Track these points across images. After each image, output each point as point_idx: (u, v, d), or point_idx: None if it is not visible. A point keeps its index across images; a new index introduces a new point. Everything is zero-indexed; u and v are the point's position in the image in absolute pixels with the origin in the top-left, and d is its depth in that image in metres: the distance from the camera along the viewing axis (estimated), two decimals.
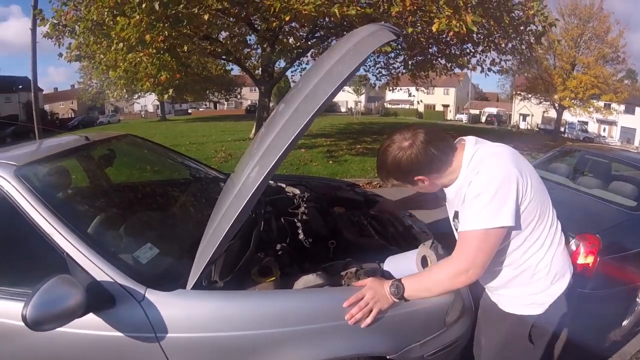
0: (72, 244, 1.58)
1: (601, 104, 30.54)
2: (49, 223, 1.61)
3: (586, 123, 41.02)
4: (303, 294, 1.70)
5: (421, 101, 24.36)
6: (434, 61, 13.70)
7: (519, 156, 1.57)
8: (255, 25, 11.47)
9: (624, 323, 3.21)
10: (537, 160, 5.17)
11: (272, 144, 1.61)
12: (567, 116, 36.07)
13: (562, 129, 37.84)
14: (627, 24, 44.16)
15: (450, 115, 57.95)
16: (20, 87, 42.51)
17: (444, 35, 9.40)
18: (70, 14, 8.73)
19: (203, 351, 1.57)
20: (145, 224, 2.27)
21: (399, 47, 12.64)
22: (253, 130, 15.63)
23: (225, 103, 55.15)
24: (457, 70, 14.60)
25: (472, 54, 12.15)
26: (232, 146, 13.47)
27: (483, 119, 51.41)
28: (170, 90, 12.86)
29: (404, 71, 15.16)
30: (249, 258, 1.85)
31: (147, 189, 3.11)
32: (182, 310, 1.55)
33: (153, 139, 3.49)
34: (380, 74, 16.34)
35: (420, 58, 13.65)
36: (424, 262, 1.78)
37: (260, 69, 14.41)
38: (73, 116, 52.93)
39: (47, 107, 53.90)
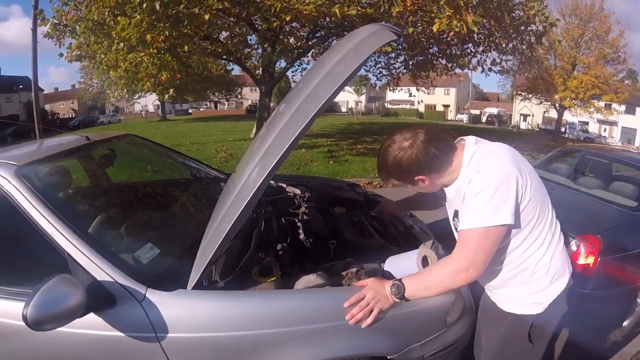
0: (72, 243, 1.58)
1: (602, 104, 30.55)
2: (50, 223, 1.61)
3: (587, 123, 41.01)
4: (304, 294, 1.70)
5: (422, 101, 24.31)
6: (434, 61, 13.72)
7: (519, 156, 1.57)
8: (256, 25, 11.47)
9: (625, 324, 3.21)
10: (537, 161, 5.17)
11: (273, 144, 1.61)
12: (567, 116, 36.07)
13: (562, 129, 37.83)
14: (627, 24, 44.19)
15: (450, 116, 57.95)
16: (20, 86, 42.58)
17: (445, 36, 9.41)
18: (71, 13, 8.73)
19: (203, 351, 1.57)
20: (146, 224, 2.27)
21: (400, 47, 12.65)
22: (254, 130, 15.63)
23: (226, 103, 55.17)
24: (457, 71, 14.62)
25: (472, 54, 12.15)
26: (232, 146, 13.47)
27: (484, 119, 51.42)
28: (171, 90, 12.85)
29: (404, 71, 15.18)
30: (250, 258, 1.85)
31: (148, 189, 3.10)
32: (182, 310, 1.55)
33: (154, 139, 3.49)
34: (381, 74, 16.34)
35: (420, 58, 13.68)
36: (424, 262, 1.78)
37: (260, 69, 14.42)
38: (74, 116, 52.98)
39: (47, 107, 53.96)
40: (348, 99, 53.83)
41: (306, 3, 7.44)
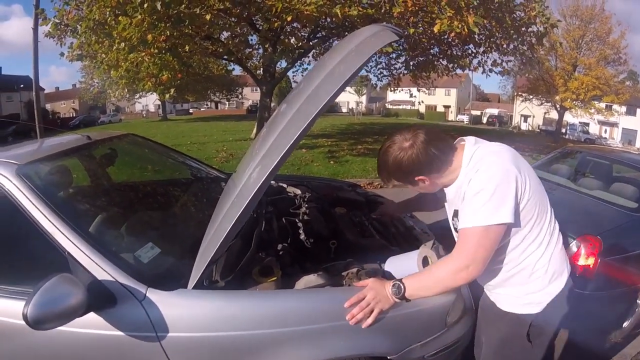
0: (73, 243, 1.58)
1: (602, 105, 30.57)
2: (51, 222, 1.61)
3: (587, 124, 41.00)
4: (304, 294, 1.70)
5: (422, 102, 24.32)
6: (435, 62, 13.73)
7: (518, 155, 1.57)
8: (257, 26, 11.47)
9: (625, 324, 3.21)
10: (538, 162, 5.17)
11: (274, 144, 1.61)
12: (568, 117, 36.11)
13: (563, 130, 37.88)
14: (628, 25, 44.02)
15: (451, 116, 57.94)
16: (21, 86, 42.65)
17: (446, 36, 9.40)
18: (72, 13, 8.73)
19: (204, 351, 1.57)
20: (146, 224, 2.27)
21: (401, 47, 12.66)
22: (254, 131, 15.64)
23: (227, 103, 55.22)
24: (458, 71, 14.60)
25: (473, 54, 12.15)
26: (233, 146, 13.47)
27: (484, 119, 51.43)
28: (172, 90, 12.86)
29: (405, 72, 15.19)
30: (250, 258, 1.85)
31: (149, 189, 3.11)
32: (183, 310, 1.55)
33: (154, 139, 3.49)
34: (382, 75, 16.34)
35: (421, 59, 13.69)
36: (425, 262, 1.78)
37: (261, 69, 14.42)
38: (74, 115, 53.06)
39: (48, 106, 54.03)
40: (349, 99, 53.92)
41: (307, 3, 7.44)
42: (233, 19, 10.38)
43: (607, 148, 7.28)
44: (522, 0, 9.26)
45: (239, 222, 1.47)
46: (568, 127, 40.94)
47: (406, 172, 1.54)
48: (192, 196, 2.92)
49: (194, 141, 15.67)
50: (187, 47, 8.87)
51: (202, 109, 60.99)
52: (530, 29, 9.58)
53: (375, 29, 1.79)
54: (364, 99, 55.98)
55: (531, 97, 31.41)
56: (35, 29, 11.11)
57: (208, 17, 8.04)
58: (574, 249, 2.88)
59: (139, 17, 7.17)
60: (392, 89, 16.69)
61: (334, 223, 2.45)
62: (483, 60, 11.91)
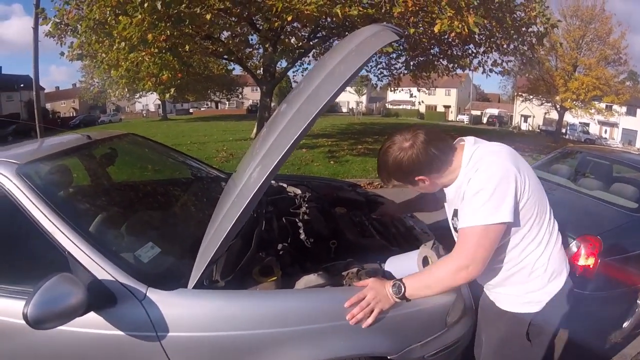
0: (73, 242, 1.58)
1: (603, 105, 30.55)
2: (51, 221, 1.61)
3: (587, 125, 40.98)
4: (304, 293, 1.70)
5: (422, 102, 24.33)
6: (435, 62, 13.74)
7: (517, 155, 1.58)
8: (257, 25, 11.47)
9: (625, 325, 3.21)
10: (538, 162, 5.17)
11: (274, 144, 1.62)
12: (568, 118, 36.10)
13: (563, 131, 37.87)
14: (629, 25, 44.03)
15: (451, 116, 57.94)
16: (21, 85, 42.67)
17: (446, 36, 9.40)
18: (73, 12, 8.73)
19: (204, 350, 1.57)
20: (146, 223, 2.27)
21: (401, 47, 12.66)
22: (254, 130, 15.64)
23: (227, 103, 55.20)
24: (458, 71, 14.60)
25: (473, 54, 12.15)
26: (233, 146, 13.47)
27: (484, 120, 51.43)
28: (172, 90, 12.87)
29: (405, 72, 15.19)
30: (251, 258, 1.85)
31: (149, 188, 3.11)
32: (183, 310, 1.55)
33: (154, 138, 3.49)
34: (382, 75, 16.35)
35: (421, 59, 13.70)
36: (425, 262, 1.78)
37: (262, 68, 14.42)
38: (75, 115, 53.06)
39: (48, 105, 54.06)
40: (349, 99, 53.93)
41: (307, 3, 7.44)
42: (233, 18, 10.38)
43: (607, 148, 7.28)
44: (522, 1, 9.26)
45: (239, 222, 1.47)
46: (568, 128, 40.94)
47: (406, 172, 1.54)
48: (192, 196, 2.92)
49: (194, 141, 15.68)
50: (187, 47, 8.87)
51: (202, 109, 60.97)
52: (530, 29, 9.58)
53: (375, 29, 1.79)
54: (364, 98, 56.00)
55: (531, 97, 31.41)
56: (35, 29, 11.11)
57: (208, 16, 8.04)
58: (574, 249, 2.88)
59: (139, 16, 7.18)
60: (392, 89, 16.70)
61: (334, 223, 2.45)
62: (483, 60, 11.91)
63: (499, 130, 34.43)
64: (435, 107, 58.59)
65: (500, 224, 1.43)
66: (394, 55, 14.15)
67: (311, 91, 1.69)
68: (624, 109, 37.21)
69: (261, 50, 14.01)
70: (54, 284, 1.38)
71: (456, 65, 12.88)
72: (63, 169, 2.33)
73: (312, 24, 11.19)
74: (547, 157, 5.36)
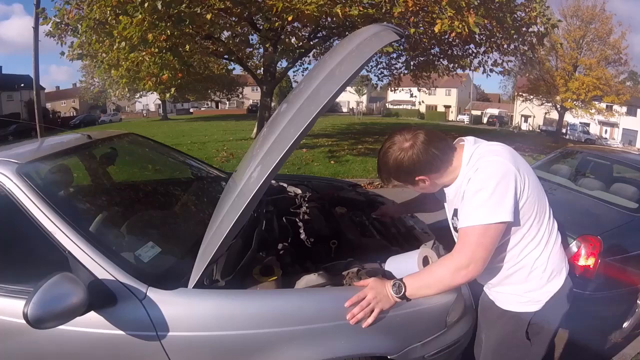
0: (74, 242, 1.58)
1: (603, 105, 30.53)
2: (51, 221, 1.61)
3: (588, 125, 40.96)
4: (304, 293, 1.70)
5: (423, 102, 24.31)
6: (435, 62, 13.75)
7: (517, 155, 1.58)
8: (258, 25, 11.47)
9: (625, 325, 3.21)
10: (538, 162, 5.17)
11: (274, 144, 1.61)
12: (568, 118, 36.08)
13: (563, 131, 37.85)
14: (629, 25, 43.93)
15: (452, 116, 57.96)
16: (22, 85, 42.72)
17: (446, 36, 9.41)
18: (73, 12, 8.74)
19: (204, 350, 1.57)
20: (147, 223, 2.27)
21: (401, 47, 12.65)
22: (255, 130, 15.65)
23: (227, 102, 55.11)
24: (459, 71, 14.60)
25: (474, 54, 12.16)
26: (233, 146, 13.48)
27: (485, 120, 51.43)
28: (172, 90, 12.83)
29: (405, 72, 15.20)
30: (251, 257, 1.85)
31: (149, 188, 3.11)
32: (183, 309, 1.55)
33: (155, 138, 3.49)
34: (382, 75, 16.36)
35: (422, 59, 13.71)
36: (425, 262, 1.78)
37: (262, 68, 14.42)
38: (75, 115, 53.09)
39: (49, 105, 54.08)
40: (349, 99, 54.01)
41: (308, 3, 7.44)
42: (234, 18, 10.38)
43: (608, 148, 7.28)
44: (522, 1, 9.26)
45: (240, 222, 1.47)
46: (568, 128, 40.90)
47: (407, 172, 1.55)
48: (192, 195, 2.92)
49: (194, 141, 15.69)
50: (187, 47, 8.87)
51: (202, 109, 60.93)
52: (531, 29, 9.59)
53: (376, 29, 1.79)
54: (364, 98, 56.06)
55: (532, 97, 31.38)
56: (35, 28, 11.12)
57: (209, 16, 8.04)
58: (574, 249, 2.88)
59: (140, 16, 7.18)
60: (393, 88, 16.69)
61: (335, 223, 2.45)
62: (484, 60, 11.91)
63: (499, 130, 34.43)
64: (436, 107, 58.59)
65: (500, 223, 1.43)
66: (395, 55, 14.17)
67: (311, 91, 1.69)
68: (624, 109, 37.19)
69: (261, 50, 14.03)
70: (55, 284, 1.38)
71: (456, 65, 12.88)
72: (63, 168, 2.34)
73: (312, 24, 11.20)
74: (547, 157, 5.36)
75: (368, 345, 1.65)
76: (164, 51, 8.44)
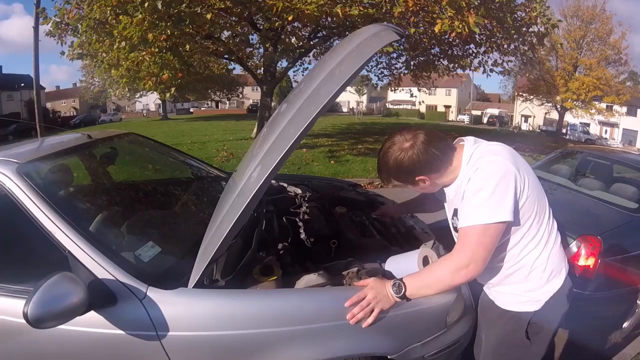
0: (74, 241, 1.58)
1: (603, 105, 30.53)
2: (51, 220, 1.61)
3: (588, 125, 40.97)
4: (304, 293, 1.70)
5: (423, 102, 24.30)
6: (436, 62, 13.75)
7: (517, 155, 1.58)
8: (258, 25, 11.46)
9: (625, 325, 3.21)
10: (538, 162, 5.17)
11: (274, 144, 1.61)
12: (569, 118, 36.09)
13: (563, 131, 37.85)
14: (629, 25, 43.90)
15: (452, 116, 57.96)
16: (22, 85, 42.73)
17: (447, 36, 9.41)
18: (73, 12, 8.73)
19: (204, 350, 1.57)
20: (147, 223, 2.27)
21: (401, 47, 12.65)
22: (255, 130, 15.65)
23: (227, 102, 55.09)
24: (459, 71, 14.60)
25: (474, 54, 12.16)
26: (233, 145, 13.48)
27: (485, 120, 51.43)
28: (172, 89, 12.85)
29: (406, 72, 15.20)
30: (251, 257, 1.85)
31: (149, 188, 3.11)
32: (183, 309, 1.55)
33: (155, 138, 3.49)
34: (382, 74, 16.36)
35: (422, 59, 13.72)
36: (425, 262, 1.78)
37: (262, 68, 14.42)
38: (75, 114, 53.09)
39: (49, 105, 54.09)
40: (349, 99, 53.99)
41: (308, 3, 7.44)
42: (234, 18, 10.38)
43: (608, 148, 7.28)
44: (523, 1, 9.26)
45: (240, 222, 1.47)
46: (568, 128, 40.92)
47: (407, 172, 1.55)
48: (192, 195, 2.92)
49: (194, 140, 15.68)
50: (187, 47, 8.87)
51: (202, 108, 60.87)
52: (531, 29, 9.59)
53: (376, 29, 1.79)
54: (364, 98, 56.04)
55: (532, 97, 31.38)
56: (35, 28, 11.13)
57: (209, 16, 8.04)
58: (574, 249, 2.88)
59: (140, 16, 7.18)
60: (393, 88, 16.68)
61: (335, 222, 2.45)
62: (484, 60, 11.91)
63: (499, 130, 34.43)
64: (436, 107, 58.60)
65: (500, 223, 1.44)
66: (395, 55, 14.17)
67: (311, 91, 1.69)
68: (624, 109, 37.20)
69: (262, 50, 14.02)
70: (55, 283, 1.38)
71: (457, 65, 12.89)
72: (63, 168, 2.34)
73: (312, 24, 11.20)
74: (547, 157, 5.36)
75: (368, 345, 1.65)
76: (164, 51, 8.45)
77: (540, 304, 1.59)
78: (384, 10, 7.84)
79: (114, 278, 1.55)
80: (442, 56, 13.23)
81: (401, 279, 1.59)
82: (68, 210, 1.72)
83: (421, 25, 8.97)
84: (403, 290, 1.56)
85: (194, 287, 1.56)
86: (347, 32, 10.47)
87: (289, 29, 12.25)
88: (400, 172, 1.56)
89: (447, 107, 59.81)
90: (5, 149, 2.11)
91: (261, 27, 10.81)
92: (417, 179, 1.57)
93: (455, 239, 1.58)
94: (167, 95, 14.42)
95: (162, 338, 1.52)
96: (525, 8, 9.06)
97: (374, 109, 59.20)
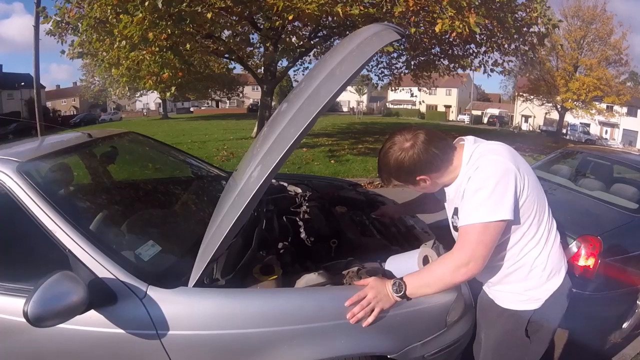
0: (74, 240, 1.58)
1: (603, 106, 30.51)
2: (51, 219, 1.61)
3: (588, 125, 40.96)
4: (305, 292, 1.70)
5: (423, 101, 24.33)
6: (436, 61, 13.75)
7: (516, 154, 1.58)
8: (258, 24, 11.46)
9: (625, 325, 3.21)
10: (539, 162, 5.17)
11: (274, 144, 1.61)
12: (569, 118, 36.07)
13: (564, 131, 37.84)
14: (630, 25, 43.84)
15: (452, 116, 57.95)
16: (22, 84, 42.73)
17: (447, 36, 9.40)
18: (73, 11, 8.73)
19: (204, 349, 1.57)
20: (147, 222, 2.27)
21: (402, 47, 12.65)
22: (255, 129, 15.65)
23: (228, 102, 55.10)
24: (459, 71, 14.59)
25: (474, 54, 12.15)
26: (234, 145, 13.48)
27: (485, 120, 51.43)
28: (173, 89, 12.84)
29: (406, 71, 15.19)
30: (251, 256, 1.85)
31: (149, 187, 3.11)
32: (183, 308, 1.55)
33: (155, 137, 3.49)
34: (383, 74, 16.35)
35: (422, 58, 13.72)
36: (425, 261, 1.78)
37: (262, 68, 14.42)
38: (75, 113, 53.08)
39: (49, 104, 54.09)
40: (350, 98, 53.97)
41: (309, 2, 7.44)
42: (234, 17, 10.39)
43: (608, 149, 7.27)
44: (523, 1, 9.25)
45: (240, 221, 1.47)
46: (569, 128, 40.93)
47: (408, 172, 1.55)
48: (192, 194, 2.92)
49: (194, 140, 15.68)
50: (188, 46, 8.87)
51: (202, 108, 60.85)
52: (531, 29, 9.58)
53: (376, 28, 1.79)
54: (364, 98, 56.01)
55: (532, 97, 31.36)
56: (36, 27, 11.12)
57: (209, 15, 8.04)
58: (574, 249, 2.88)
59: (140, 15, 7.18)
60: (393, 88, 16.65)
61: (335, 222, 2.45)
62: (484, 60, 11.91)
63: (499, 131, 34.44)
64: (436, 106, 58.60)
65: (500, 222, 1.44)
66: (395, 55, 14.17)
67: (312, 90, 1.69)
68: (624, 110, 37.18)
69: (262, 50, 14.02)
70: (55, 282, 1.38)
71: (457, 65, 12.88)
72: (64, 167, 2.34)
73: (313, 23, 11.20)
74: (547, 157, 5.36)
75: (368, 345, 1.65)
76: (164, 50, 8.44)
77: (540, 302, 1.59)
78: (384, 10, 7.84)
79: (114, 277, 1.55)
80: (442, 56, 13.22)
81: (401, 278, 1.59)
82: (68, 209, 1.72)
83: (422, 25, 8.97)
84: (403, 290, 1.56)
85: (194, 286, 1.56)
86: (347, 32, 10.47)
87: (290, 29, 12.26)
88: (401, 172, 1.56)
89: (448, 107, 59.82)
90: (5, 148, 2.11)
91: (262, 27, 10.80)
92: (417, 178, 1.57)
93: (455, 238, 1.58)
94: (168, 94, 14.42)
95: (162, 337, 1.52)
96: (526, 8, 9.06)
97: (374, 109, 59.17)
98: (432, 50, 12.99)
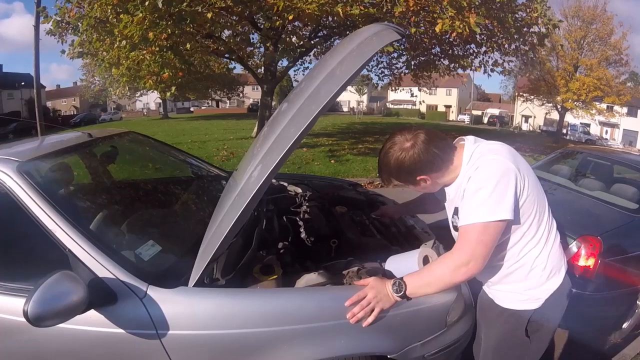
0: (74, 240, 1.58)
1: (604, 106, 30.48)
2: (51, 219, 1.61)
3: (588, 125, 40.95)
4: (305, 292, 1.70)
5: (423, 101, 24.34)
6: (436, 62, 13.75)
7: (516, 154, 1.59)
8: (259, 24, 11.46)
9: (625, 325, 3.21)
10: (539, 162, 5.17)
11: (275, 144, 1.61)
12: (569, 118, 36.05)
13: (564, 131, 37.82)
14: (630, 26, 43.79)
15: (452, 116, 57.95)
16: (22, 83, 42.72)
17: (447, 36, 9.39)
18: (74, 11, 8.73)
19: (204, 348, 1.57)
20: (147, 221, 2.27)
21: (402, 47, 12.65)
22: (255, 129, 15.66)
23: (228, 102, 55.09)
24: (459, 71, 14.59)
25: (475, 54, 12.15)
26: (234, 145, 13.48)
27: (485, 120, 51.43)
28: (173, 88, 12.85)
29: (406, 71, 15.19)
30: (251, 256, 1.85)
31: (149, 186, 3.11)
32: (183, 308, 1.55)
33: (155, 137, 3.50)
34: (383, 74, 16.36)
35: (423, 58, 13.71)
36: (425, 261, 1.78)
37: (263, 67, 14.42)
38: (75, 113, 53.09)
39: (49, 104, 54.11)
40: (350, 98, 53.98)
41: (309, 2, 7.44)
42: (234, 17, 10.39)
43: (608, 149, 7.27)
44: (524, 1, 9.25)
45: (240, 221, 1.47)
46: (569, 128, 40.92)
47: (408, 172, 1.55)
48: (193, 194, 2.92)
49: (195, 139, 15.68)
50: (188, 46, 8.87)
51: (203, 108, 60.83)
52: (532, 30, 9.57)
53: (377, 28, 1.79)
54: (365, 98, 56.02)
55: (532, 97, 31.34)
56: (36, 27, 11.11)
57: (209, 15, 8.04)
58: (574, 249, 2.88)
59: (141, 15, 7.18)
60: (393, 88, 16.65)
61: (335, 222, 2.45)
62: (484, 60, 11.91)
63: (499, 131, 34.45)
64: (436, 106, 58.60)
65: (501, 221, 1.44)
66: (395, 55, 14.17)
67: (312, 90, 1.69)
68: (625, 110, 37.16)
69: (262, 49, 14.00)
70: (55, 282, 1.38)
71: (457, 65, 12.87)
72: (64, 166, 2.34)
73: (313, 23, 11.19)
74: (548, 157, 5.36)
75: (368, 345, 1.65)
76: (164, 50, 8.45)
77: (540, 302, 1.59)
78: (384, 10, 7.84)
79: (114, 277, 1.55)
80: (442, 56, 13.22)
81: (401, 278, 1.59)
82: (68, 209, 1.72)
83: (422, 25, 8.97)
84: (403, 290, 1.56)
85: (194, 286, 1.56)
86: (347, 32, 10.47)
87: (290, 28, 12.26)
88: (402, 172, 1.56)
89: (448, 107, 59.83)
90: (5, 148, 2.11)
91: (262, 26, 10.79)
92: (418, 178, 1.57)
93: (455, 238, 1.58)
94: (168, 94, 14.46)
95: (162, 337, 1.52)
96: (526, 8, 9.06)
97: (374, 109, 59.17)
98: (433, 50, 12.99)
